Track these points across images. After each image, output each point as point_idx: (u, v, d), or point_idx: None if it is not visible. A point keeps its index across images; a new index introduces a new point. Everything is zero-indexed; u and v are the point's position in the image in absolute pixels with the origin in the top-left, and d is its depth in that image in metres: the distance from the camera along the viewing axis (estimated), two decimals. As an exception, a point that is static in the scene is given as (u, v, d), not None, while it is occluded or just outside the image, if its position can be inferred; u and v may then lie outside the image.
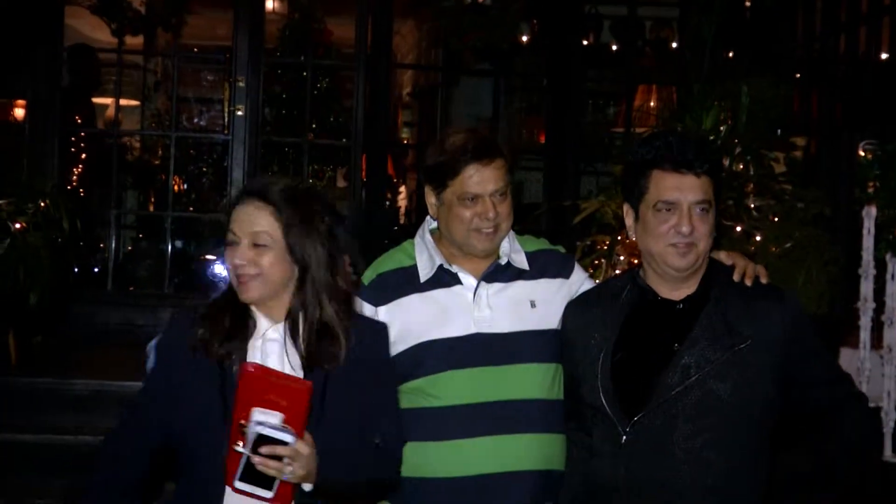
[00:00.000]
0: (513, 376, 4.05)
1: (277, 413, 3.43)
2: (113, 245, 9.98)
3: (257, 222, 3.69)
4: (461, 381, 4.01)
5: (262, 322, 3.79)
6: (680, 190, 3.78)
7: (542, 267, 4.24)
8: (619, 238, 6.62)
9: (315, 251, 3.74)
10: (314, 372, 3.66)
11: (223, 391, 3.65)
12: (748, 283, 3.93)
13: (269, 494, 3.51)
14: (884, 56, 7.55)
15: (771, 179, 6.79)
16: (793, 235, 6.46)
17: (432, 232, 4.26)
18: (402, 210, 11.36)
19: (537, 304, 4.14)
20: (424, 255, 4.18)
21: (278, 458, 3.41)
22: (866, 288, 6.70)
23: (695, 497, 3.70)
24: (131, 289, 10.40)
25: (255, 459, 3.43)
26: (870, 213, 6.63)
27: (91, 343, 8.04)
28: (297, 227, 3.72)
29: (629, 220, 3.97)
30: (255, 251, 3.68)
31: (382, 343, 3.88)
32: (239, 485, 3.51)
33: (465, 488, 3.98)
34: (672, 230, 3.78)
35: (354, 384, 3.69)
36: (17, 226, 7.30)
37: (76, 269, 9.41)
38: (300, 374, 3.67)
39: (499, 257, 4.17)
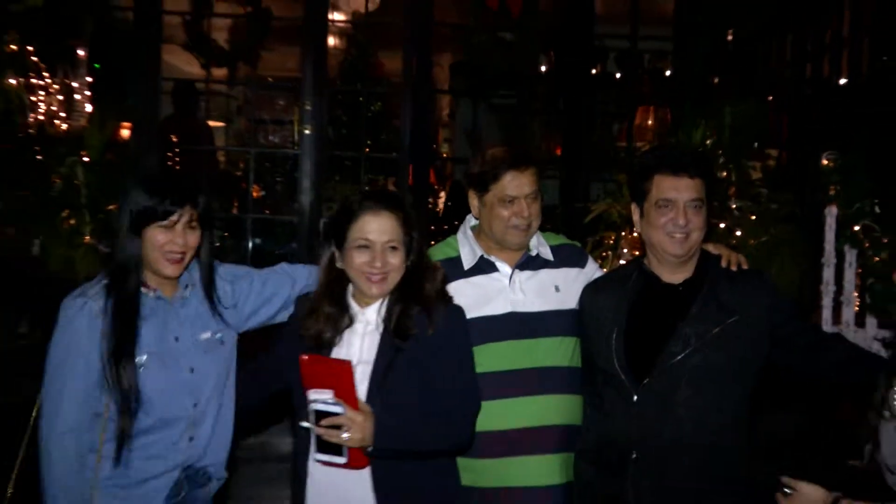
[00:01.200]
0: (542, 347, 4.11)
1: (328, 390, 3.49)
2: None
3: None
4: (500, 351, 4.06)
5: (354, 308, 3.82)
6: (677, 190, 3.86)
7: (563, 258, 4.29)
8: (623, 234, 6.69)
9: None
10: (390, 346, 3.68)
11: None
12: (733, 269, 4.00)
13: (342, 460, 3.57)
14: (842, 81, 7.54)
15: (749, 184, 6.84)
16: (768, 231, 6.55)
17: (472, 229, 4.30)
18: (441, 212, 11.32)
19: (560, 289, 4.20)
20: (467, 248, 4.23)
21: (338, 427, 3.48)
22: (828, 274, 6.74)
23: (696, 449, 3.76)
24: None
25: (319, 431, 3.52)
26: (831, 212, 6.67)
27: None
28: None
29: (636, 217, 4.02)
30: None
31: (458, 319, 3.81)
32: (318, 456, 3.60)
33: (503, 440, 4.03)
34: (670, 222, 3.86)
35: (426, 354, 3.67)
36: (127, 226, 7.19)
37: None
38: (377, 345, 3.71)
39: (529, 249, 4.23)
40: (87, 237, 7.11)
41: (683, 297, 3.92)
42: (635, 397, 3.81)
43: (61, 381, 3.54)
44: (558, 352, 4.14)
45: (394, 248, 3.71)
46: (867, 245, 6.56)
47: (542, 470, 4.07)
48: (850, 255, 6.65)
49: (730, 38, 8.18)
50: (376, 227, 3.70)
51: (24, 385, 6.51)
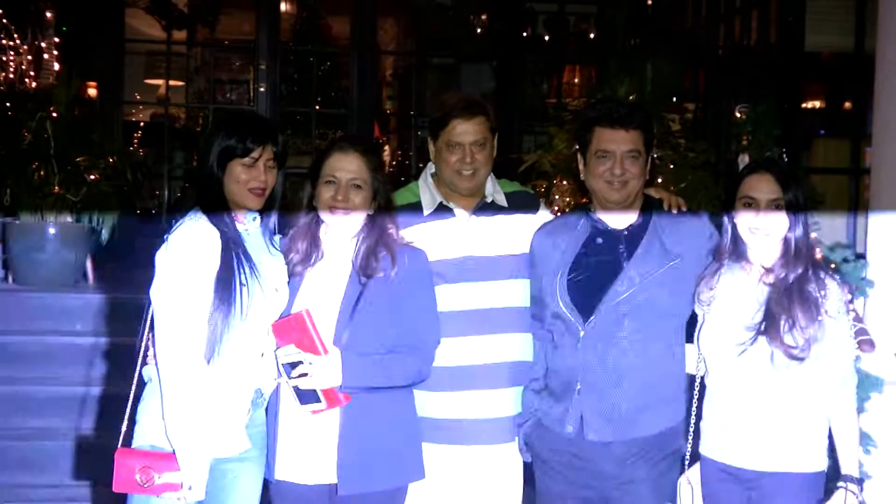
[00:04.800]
0: (494, 289, 3.95)
1: (290, 345, 3.45)
2: (166, 192, 9.88)
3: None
4: (455, 293, 3.90)
5: (327, 244, 3.74)
6: (614, 141, 3.72)
7: (517, 204, 4.10)
8: (554, 183, 6.51)
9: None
10: (357, 283, 3.62)
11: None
12: (674, 211, 3.93)
13: (321, 406, 3.49)
14: (753, 40, 7.42)
15: (669, 135, 6.68)
16: (686, 178, 6.36)
17: (433, 176, 4.11)
18: (387, 163, 11.23)
19: (513, 234, 4.02)
20: (427, 194, 4.04)
21: (304, 375, 3.44)
22: (740, 218, 6.60)
23: (635, 375, 3.69)
24: (181, 226, 10.29)
25: (292, 383, 3.46)
26: (743, 160, 6.47)
27: (151, 268, 8.00)
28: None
29: (580, 166, 3.87)
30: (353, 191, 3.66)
31: (422, 262, 3.76)
32: (302, 408, 3.51)
33: (458, 376, 3.90)
34: (608, 171, 3.72)
35: (390, 293, 3.62)
36: (92, 177, 7.13)
37: (138, 211, 9.26)
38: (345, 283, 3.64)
39: (485, 196, 4.04)
40: (56, 187, 7.01)
41: (628, 241, 3.80)
42: (582, 332, 3.70)
43: (188, 312, 3.32)
44: (509, 294, 3.98)
45: (358, 186, 3.64)
46: (777, 189, 6.35)
47: (493, 403, 3.95)
48: (761, 201, 6.47)
49: (649, 1, 8.03)
50: (343, 165, 3.65)
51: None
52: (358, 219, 3.66)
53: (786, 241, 3.60)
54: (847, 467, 3.57)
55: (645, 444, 3.73)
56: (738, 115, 6.51)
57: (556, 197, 6.44)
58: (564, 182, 6.35)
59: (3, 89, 7.38)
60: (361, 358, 3.53)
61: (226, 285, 3.37)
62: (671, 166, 6.47)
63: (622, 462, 3.72)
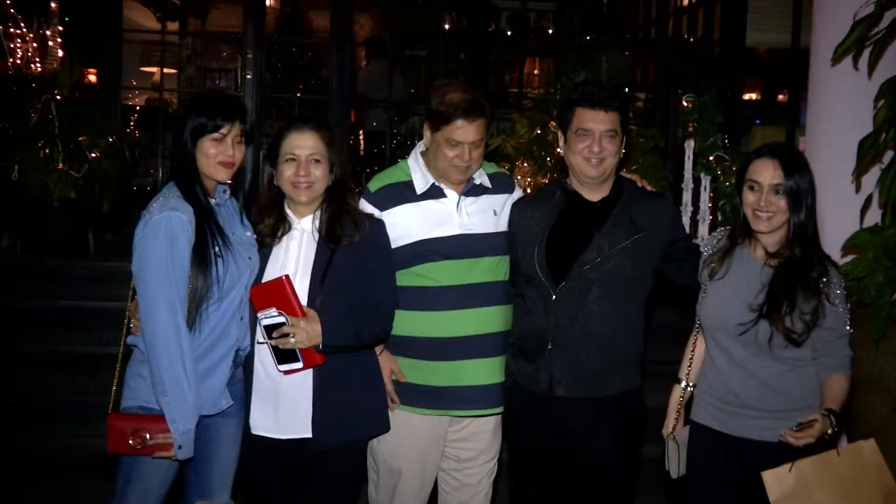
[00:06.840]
0: (484, 265, 3.93)
1: (272, 308, 3.49)
2: (160, 169, 9.75)
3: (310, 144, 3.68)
4: (451, 268, 3.88)
5: (292, 217, 3.75)
6: (594, 121, 3.73)
7: (498, 185, 4.08)
8: (517, 164, 6.52)
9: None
10: (326, 250, 3.65)
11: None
12: (641, 189, 3.95)
13: (299, 364, 3.53)
14: (698, 36, 7.43)
15: (622, 122, 6.67)
16: (638, 161, 6.37)
17: (423, 154, 4.04)
18: (361, 145, 11.17)
19: (497, 213, 4.00)
20: (419, 174, 3.97)
21: (286, 335, 3.48)
22: (686, 197, 6.67)
23: (602, 336, 3.72)
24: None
25: (271, 342, 3.49)
26: (690, 145, 6.57)
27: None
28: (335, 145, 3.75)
29: (561, 142, 3.88)
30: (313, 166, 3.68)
31: (382, 230, 3.79)
32: (281, 367, 3.54)
33: (451, 345, 3.89)
34: (587, 149, 3.74)
35: (356, 258, 3.66)
36: (93, 155, 7.06)
37: (135, 187, 9.14)
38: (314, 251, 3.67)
39: (472, 178, 4.00)
40: (60, 164, 6.96)
41: (600, 213, 3.82)
42: (554, 296, 3.72)
43: (169, 285, 3.32)
44: (497, 268, 3.97)
45: (317, 160, 3.66)
46: (719, 172, 6.39)
47: (483, 371, 3.94)
48: (705, 181, 6.54)
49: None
50: (301, 143, 3.67)
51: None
52: (319, 190, 3.68)
53: (789, 225, 3.50)
54: (831, 404, 3.40)
55: (609, 403, 3.75)
56: (684, 104, 6.51)
57: (519, 177, 6.45)
58: (525, 164, 6.39)
59: (10, 73, 7.28)
60: (337, 319, 3.54)
61: (201, 256, 3.39)
62: (623, 150, 6.49)
63: (588, 419, 3.74)
